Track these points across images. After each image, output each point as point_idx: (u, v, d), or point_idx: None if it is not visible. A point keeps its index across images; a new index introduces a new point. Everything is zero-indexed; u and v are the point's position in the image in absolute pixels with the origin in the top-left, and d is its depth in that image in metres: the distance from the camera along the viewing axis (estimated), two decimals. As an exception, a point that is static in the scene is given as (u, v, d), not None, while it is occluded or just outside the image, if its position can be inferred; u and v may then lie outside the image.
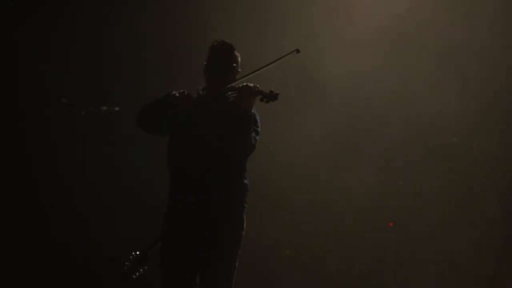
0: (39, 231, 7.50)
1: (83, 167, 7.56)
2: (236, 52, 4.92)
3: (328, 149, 7.84)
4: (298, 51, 4.77)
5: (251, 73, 4.78)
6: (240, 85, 4.70)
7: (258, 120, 4.81)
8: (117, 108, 7.05)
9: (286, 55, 4.79)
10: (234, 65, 4.90)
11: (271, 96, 4.63)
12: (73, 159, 7.56)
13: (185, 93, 4.80)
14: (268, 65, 4.78)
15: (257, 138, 4.74)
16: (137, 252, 5.22)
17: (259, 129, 4.78)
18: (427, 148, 7.97)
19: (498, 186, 7.87)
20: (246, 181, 4.85)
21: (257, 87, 4.66)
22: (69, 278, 7.48)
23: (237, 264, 4.81)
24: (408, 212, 7.91)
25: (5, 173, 7.53)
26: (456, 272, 7.76)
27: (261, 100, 4.65)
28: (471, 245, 7.80)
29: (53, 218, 7.52)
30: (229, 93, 4.80)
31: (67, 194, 7.55)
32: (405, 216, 7.89)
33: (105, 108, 7.00)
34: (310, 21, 7.89)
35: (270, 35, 7.75)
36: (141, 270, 5.22)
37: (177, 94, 4.77)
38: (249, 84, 4.67)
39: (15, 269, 7.44)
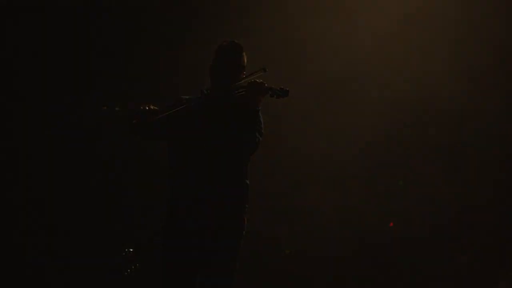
0: (38, 230, 7.51)
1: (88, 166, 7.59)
2: (244, 53, 4.90)
3: (331, 148, 7.87)
4: (264, 70, 4.76)
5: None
6: (249, 82, 4.68)
7: (262, 120, 4.80)
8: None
9: (253, 73, 4.78)
10: (242, 65, 4.87)
11: (282, 92, 4.63)
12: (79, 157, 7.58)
13: (151, 107, 4.78)
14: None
15: (260, 138, 4.74)
16: (130, 249, 5.22)
17: (262, 129, 4.78)
18: (428, 148, 7.98)
19: (499, 186, 7.88)
20: (247, 181, 4.84)
21: (265, 84, 4.65)
22: (65, 276, 7.49)
23: (237, 264, 4.81)
24: (408, 212, 7.92)
25: (10, 171, 7.53)
26: (456, 272, 7.76)
27: (271, 96, 4.64)
28: (471, 245, 7.81)
29: (53, 217, 7.54)
30: (236, 91, 4.78)
31: (67, 193, 7.56)
32: (406, 216, 7.90)
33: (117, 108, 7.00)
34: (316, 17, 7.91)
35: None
36: (133, 267, 5.22)
37: (142, 108, 4.78)
38: (257, 80, 4.66)
39: (14, 268, 7.45)
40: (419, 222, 7.84)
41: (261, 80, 4.66)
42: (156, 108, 4.79)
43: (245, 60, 4.90)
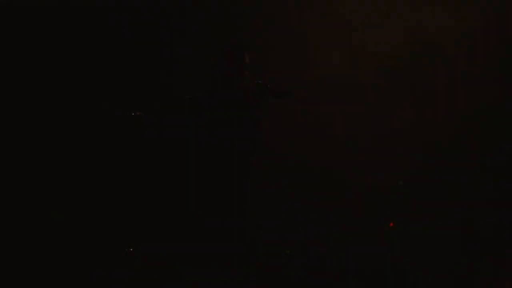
0: (39, 229, 7.52)
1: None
2: (246, 53, 4.93)
3: (332, 146, 7.88)
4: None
5: None
6: (252, 83, 4.72)
7: (263, 122, 4.83)
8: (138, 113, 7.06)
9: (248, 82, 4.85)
10: (245, 65, 4.91)
11: (285, 94, 4.66)
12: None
13: (140, 113, 4.82)
14: None
15: (262, 139, 4.77)
16: (130, 249, 5.25)
17: (264, 131, 4.80)
18: (428, 148, 8.00)
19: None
20: (248, 181, 4.86)
21: (268, 85, 4.68)
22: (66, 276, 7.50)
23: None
24: (408, 211, 7.93)
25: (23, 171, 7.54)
26: (456, 270, 7.78)
27: (274, 97, 4.68)
28: (470, 243, 7.82)
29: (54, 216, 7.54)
30: (239, 92, 4.81)
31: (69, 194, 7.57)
32: (406, 215, 7.91)
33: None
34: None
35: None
36: (132, 266, 5.24)
37: (137, 114, 4.83)
38: (259, 82, 4.69)
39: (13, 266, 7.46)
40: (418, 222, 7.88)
41: (264, 81, 4.68)
42: (141, 114, 4.82)
43: (248, 60, 4.92)
